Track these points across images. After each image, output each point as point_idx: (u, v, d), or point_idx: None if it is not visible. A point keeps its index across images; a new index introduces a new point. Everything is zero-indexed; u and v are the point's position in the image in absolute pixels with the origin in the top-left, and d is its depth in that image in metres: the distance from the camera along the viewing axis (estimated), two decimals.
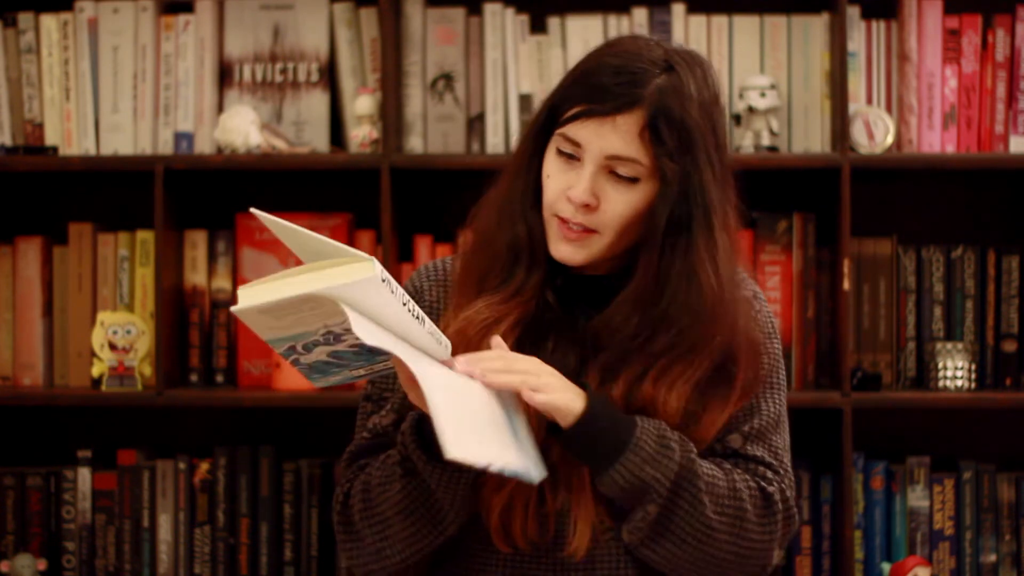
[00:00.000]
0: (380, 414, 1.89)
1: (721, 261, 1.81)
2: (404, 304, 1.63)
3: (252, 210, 1.62)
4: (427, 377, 1.62)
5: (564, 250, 1.82)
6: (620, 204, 1.79)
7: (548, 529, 1.81)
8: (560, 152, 1.81)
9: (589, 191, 1.78)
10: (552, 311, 1.84)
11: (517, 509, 1.79)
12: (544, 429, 1.77)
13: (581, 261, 1.82)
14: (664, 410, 1.78)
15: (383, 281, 1.59)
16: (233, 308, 1.61)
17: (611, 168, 1.78)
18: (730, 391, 1.83)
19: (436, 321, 1.85)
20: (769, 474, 1.83)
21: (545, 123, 1.85)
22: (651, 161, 1.77)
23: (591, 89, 1.78)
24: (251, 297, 1.62)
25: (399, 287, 1.63)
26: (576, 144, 1.79)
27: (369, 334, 1.58)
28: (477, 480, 1.78)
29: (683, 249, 1.80)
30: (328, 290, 1.58)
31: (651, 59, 1.79)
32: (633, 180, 1.78)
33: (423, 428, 1.76)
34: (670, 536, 1.76)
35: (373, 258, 1.60)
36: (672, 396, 1.79)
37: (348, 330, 1.59)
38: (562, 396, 1.71)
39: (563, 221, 1.80)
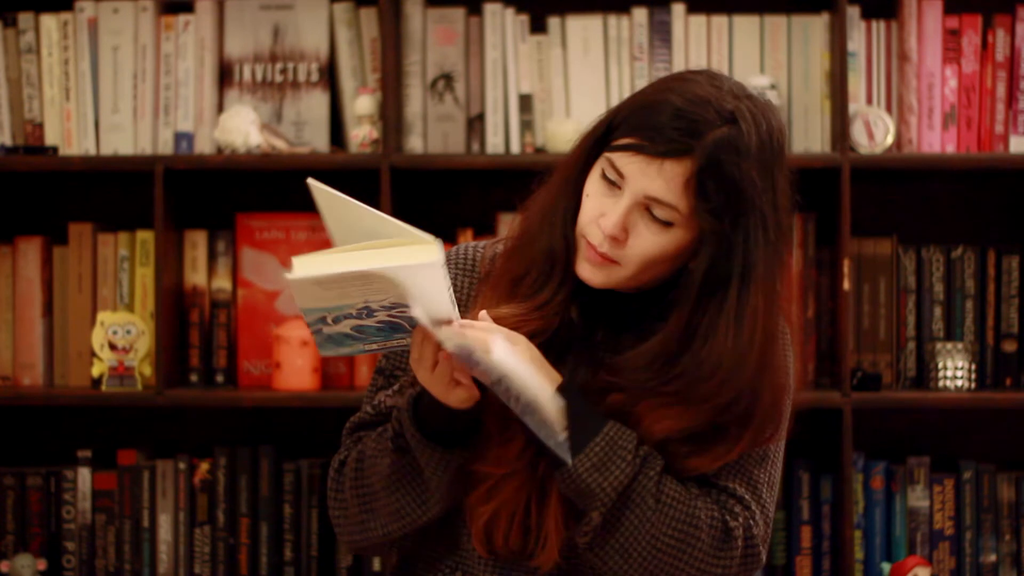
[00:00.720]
0: (388, 392, 1.89)
1: (746, 321, 1.77)
2: (449, 290, 1.64)
3: (309, 180, 1.60)
4: (503, 356, 1.62)
5: (586, 270, 1.79)
6: (648, 243, 1.76)
7: (530, 541, 1.80)
8: (604, 176, 1.77)
9: (620, 225, 1.75)
10: (574, 329, 1.82)
11: (502, 520, 1.79)
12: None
13: (601, 284, 1.80)
14: (647, 434, 1.77)
15: (442, 266, 1.60)
16: (288, 275, 1.59)
17: (648, 207, 1.74)
18: (724, 450, 1.79)
19: (462, 311, 1.83)
20: (738, 508, 1.79)
21: (600, 137, 1.81)
22: (690, 212, 1.73)
23: (647, 125, 1.74)
24: (308, 267, 1.60)
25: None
26: (620, 175, 1.75)
27: (426, 317, 1.59)
28: (466, 471, 1.78)
29: (716, 307, 1.76)
30: (389, 270, 1.58)
31: (717, 108, 1.73)
32: (667, 224, 1.75)
33: (419, 406, 1.76)
34: (616, 547, 1.75)
35: (437, 241, 1.59)
36: (656, 427, 1.76)
37: (387, 307, 1.60)
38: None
39: (590, 244, 1.78)
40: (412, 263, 1.58)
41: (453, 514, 1.84)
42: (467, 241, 1.95)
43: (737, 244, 1.75)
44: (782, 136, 1.81)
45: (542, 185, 1.88)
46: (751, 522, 1.79)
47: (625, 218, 1.75)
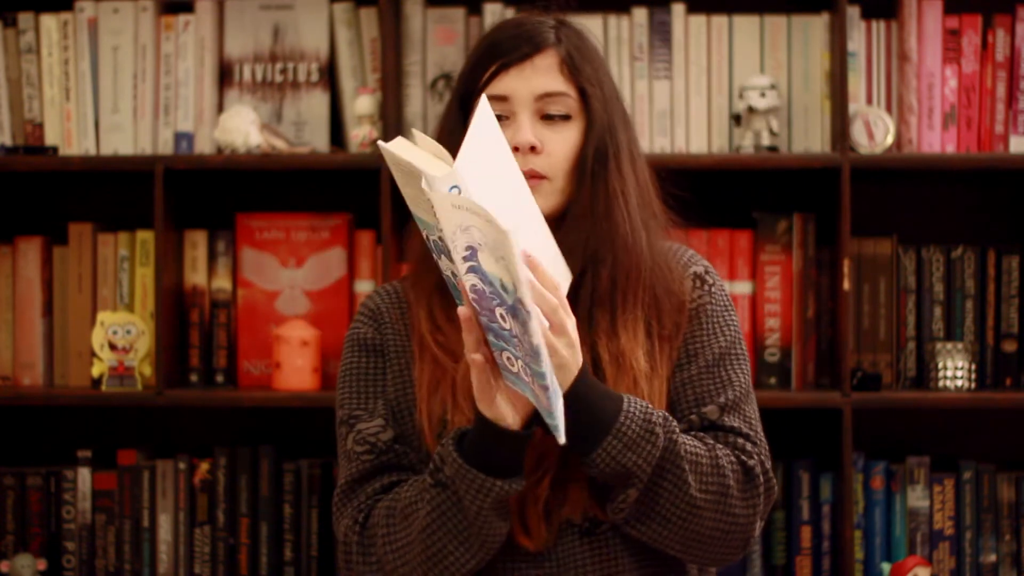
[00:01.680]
0: (359, 429, 1.88)
1: (629, 195, 1.86)
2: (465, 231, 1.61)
3: (381, 144, 1.65)
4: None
5: None
6: (561, 143, 1.85)
7: (552, 529, 1.81)
8: None
9: (531, 133, 1.83)
10: None
11: (535, 514, 1.80)
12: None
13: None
14: (635, 364, 1.81)
15: (454, 189, 1.58)
16: (380, 143, 1.63)
17: (543, 111, 1.84)
18: (668, 327, 1.87)
19: (406, 340, 1.90)
20: (748, 446, 1.83)
21: (461, 106, 1.88)
22: (576, 94, 1.85)
23: (500, 47, 1.86)
24: (394, 145, 1.64)
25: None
26: (503, 99, 1.84)
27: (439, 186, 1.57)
28: (506, 509, 1.77)
29: (604, 181, 1.85)
30: (424, 169, 1.59)
31: (541, 19, 1.89)
32: (566, 117, 1.85)
33: (462, 439, 1.75)
34: (654, 516, 1.77)
35: (453, 169, 1.59)
36: (638, 348, 1.82)
37: (442, 248, 1.62)
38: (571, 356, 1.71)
39: None
40: (437, 174, 1.58)
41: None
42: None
43: (608, 119, 1.86)
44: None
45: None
46: (761, 456, 1.84)
47: (532, 128, 1.83)
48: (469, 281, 1.62)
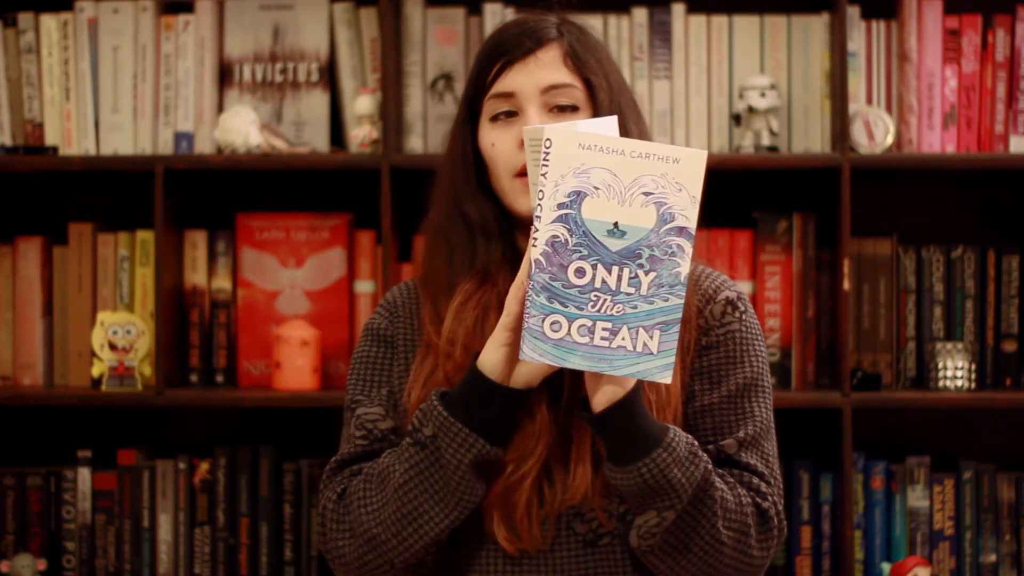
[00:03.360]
0: (358, 414, 1.89)
1: None
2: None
3: (524, 129, 1.72)
4: None
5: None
6: None
7: (548, 532, 1.81)
8: (495, 118, 1.86)
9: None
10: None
11: (520, 513, 1.79)
12: (565, 404, 1.77)
13: None
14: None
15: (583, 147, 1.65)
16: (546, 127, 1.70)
17: (551, 105, 1.85)
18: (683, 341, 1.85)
19: (416, 334, 1.91)
20: (764, 487, 1.82)
21: (470, 109, 1.90)
22: (582, 84, 1.86)
23: (504, 45, 1.87)
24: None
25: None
26: (510, 95, 1.85)
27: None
28: (486, 473, 1.77)
29: None
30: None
31: (543, 16, 1.91)
32: (574, 108, 1.86)
33: (444, 395, 1.77)
34: (679, 546, 1.75)
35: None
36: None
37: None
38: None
39: (525, 174, 1.82)
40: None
41: (469, 543, 1.83)
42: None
43: (617, 108, 1.87)
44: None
45: (433, 194, 1.95)
46: (775, 498, 1.83)
47: (540, 122, 1.83)
48: (549, 233, 1.65)
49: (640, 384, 1.71)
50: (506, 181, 1.85)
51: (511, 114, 1.85)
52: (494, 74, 1.86)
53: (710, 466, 1.75)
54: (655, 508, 1.73)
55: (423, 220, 1.96)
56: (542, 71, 1.85)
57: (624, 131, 1.86)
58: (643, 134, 1.90)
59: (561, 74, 1.85)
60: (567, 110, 1.85)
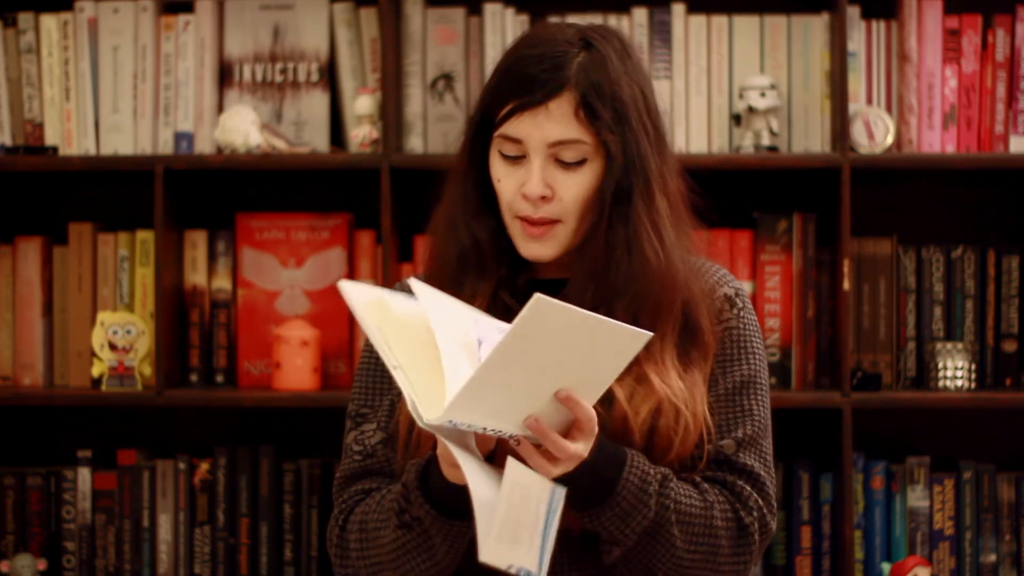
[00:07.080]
0: (362, 429, 1.88)
1: (663, 227, 1.81)
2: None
3: (547, 297, 1.61)
4: (473, 474, 1.60)
5: (533, 249, 1.82)
6: (574, 188, 1.80)
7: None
8: (504, 155, 1.82)
9: (542, 183, 1.79)
10: (512, 312, 1.81)
11: None
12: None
13: (552, 256, 1.82)
14: (671, 388, 1.77)
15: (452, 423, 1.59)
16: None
17: (557, 156, 1.79)
18: (704, 348, 1.82)
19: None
20: (752, 497, 1.80)
21: (481, 125, 1.86)
22: (593, 139, 1.79)
23: (518, 83, 1.80)
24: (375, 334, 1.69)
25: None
26: (517, 141, 1.80)
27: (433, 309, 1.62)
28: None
29: (625, 219, 1.80)
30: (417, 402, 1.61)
31: (567, 40, 1.81)
32: (580, 162, 1.79)
33: (428, 478, 1.73)
34: (640, 566, 1.76)
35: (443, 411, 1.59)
36: (669, 373, 1.78)
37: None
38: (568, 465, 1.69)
39: (525, 220, 1.80)
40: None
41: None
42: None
43: (632, 153, 1.80)
44: (631, 46, 1.87)
45: (440, 198, 1.92)
46: (764, 507, 1.80)
47: (543, 175, 1.79)
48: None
49: (602, 440, 1.70)
50: (507, 217, 1.83)
51: (519, 157, 1.81)
52: (504, 113, 1.81)
53: (669, 498, 1.73)
54: (601, 542, 1.75)
55: (424, 220, 1.96)
56: (551, 124, 1.78)
57: (643, 174, 1.79)
58: (664, 164, 1.83)
59: (570, 130, 1.78)
60: (573, 165, 1.79)
